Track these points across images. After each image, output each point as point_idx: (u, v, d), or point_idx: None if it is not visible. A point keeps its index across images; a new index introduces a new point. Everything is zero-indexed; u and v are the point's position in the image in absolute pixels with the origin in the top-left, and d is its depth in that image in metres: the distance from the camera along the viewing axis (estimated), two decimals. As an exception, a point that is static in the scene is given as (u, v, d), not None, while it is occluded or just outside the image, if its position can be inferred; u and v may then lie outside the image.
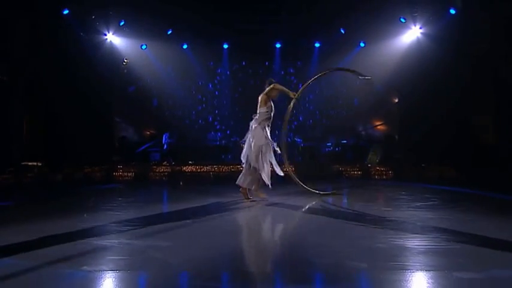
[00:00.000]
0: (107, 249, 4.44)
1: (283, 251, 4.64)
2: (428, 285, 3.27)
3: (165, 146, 17.39)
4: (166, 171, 15.04)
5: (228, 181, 9.44)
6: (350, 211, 7.21)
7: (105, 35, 16.24)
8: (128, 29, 16.52)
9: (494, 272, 3.51)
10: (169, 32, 17.13)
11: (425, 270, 3.59)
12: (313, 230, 5.59)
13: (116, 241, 4.75)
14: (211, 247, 4.49)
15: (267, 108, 7.81)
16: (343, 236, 5.05)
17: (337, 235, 5.13)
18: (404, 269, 3.61)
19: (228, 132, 18.53)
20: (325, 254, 4.24)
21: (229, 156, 16.56)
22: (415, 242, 4.50)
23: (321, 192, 8.39)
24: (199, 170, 15.24)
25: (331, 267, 3.78)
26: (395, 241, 4.52)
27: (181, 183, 12.94)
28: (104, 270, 3.67)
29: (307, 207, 7.41)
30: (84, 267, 3.72)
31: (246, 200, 7.82)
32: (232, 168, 14.05)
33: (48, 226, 5.52)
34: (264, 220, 6.49)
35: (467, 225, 5.43)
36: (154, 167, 15.56)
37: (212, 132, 18.61)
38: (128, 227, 5.47)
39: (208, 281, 3.46)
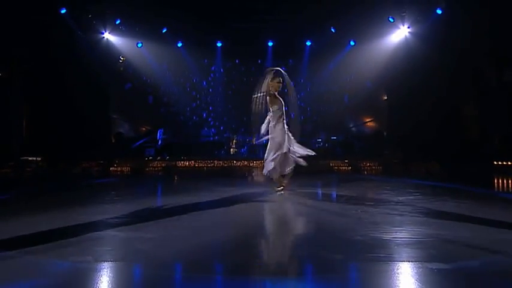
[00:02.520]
0: (94, 240, 4.52)
1: (265, 242, 4.81)
2: (399, 275, 3.42)
3: (160, 142, 17.74)
4: (161, 166, 15.41)
5: (220, 175, 9.58)
6: (333, 205, 7.51)
7: (102, 33, 16.56)
8: (124, 27, 16.85)
9: (461, 263, 3.69)
10: (164, 31, 17.47)
11: (399, 262, 3.75)
12: (296, 223, 5.86)
13: (104, 233, 4.91)
14: (198, 239, 4.63)
15: (278, 106, 7.95)
16: (324, 229, 5.27)
17: (318, 228, 5.37)
18: (379, 260, 3.77)
19: (221, 128, 18.90)
20: (304, 246, 4.49)
21: (222, 152, 16.96)
22: (392, 235, 4.68)
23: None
24: (192, 165, 15.62)
25: (308, 259, 4.01)
26: (373, 234, 4.72)
27: (175, 177, 13.18)
28: (89, 261, 3.74)
29: (292, 200, 7.67)
30: (71, 258, 3.83)
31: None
32: (225, 163, 14.46)
33: (40, 219, 5.71)
34: (250, 213, 6.62)
35: (443, 218, 5.62)
36: (150, 161, 15.94)
37: (206, 128, 18.98)
38: (117, 220, 5.63)
39: (191, 272, 3.64)
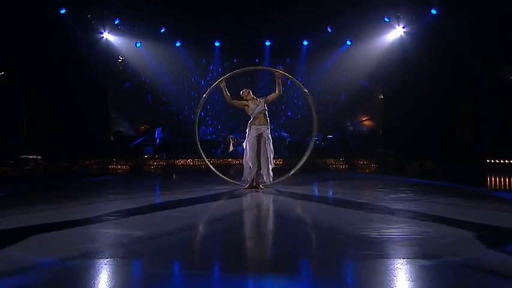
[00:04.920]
0: (84, 237, 4.57)
1: (254, 240, 4.88)
2: (384, 272, 3.45)
3: (158, 141, 17.90)
4: (159, 165, 15.58)
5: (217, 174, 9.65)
6: (324, 202, 7.63)
7: (101, 33, 16.70)
8: (123, 27, 16.98)
9: (444, 260, 3.75)
10: (163, 30, 17.61)
11: (383, 259, 3.82)
12: (285, 220, 5.89)
13: (95, 230, 4.98)
14: (189, 237, 4.74)
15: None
16: (313, 227, 5.41)
17: (308, 226, 5.48)
18: (364, 258, 3.86)
19: (219, 127, 19.03)
20: (292, 243, 4.55)
21: (219, 150, 17.10)
22: (379, 233, 4.74)
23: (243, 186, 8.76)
24: (190, 164, 15.79)
25: (295, 257, 4.08)
26: (361, 231, 4.83)
27: (174, 176, 13.32)
28: (77, 259, 3.78)
29: (285, 198, 7.77)
30: (59, 255, 3.85)
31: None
32: (222, 162, 14.61)
33: (33, 216, 5.80)
34: (242, 211, 6.75)
35: (432, 216, 5.69)
36: (148, 160, 16.10)
37: (203, 127, 19.10)
38: (110, 217, 5.72)
39: (180, 269, 3.74)
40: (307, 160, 9.29)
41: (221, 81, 8.84)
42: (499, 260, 3.85)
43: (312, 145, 9.42)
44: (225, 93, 8.75)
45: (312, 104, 9.22)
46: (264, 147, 8.50)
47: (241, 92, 8.86)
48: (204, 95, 9.07)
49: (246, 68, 9.05)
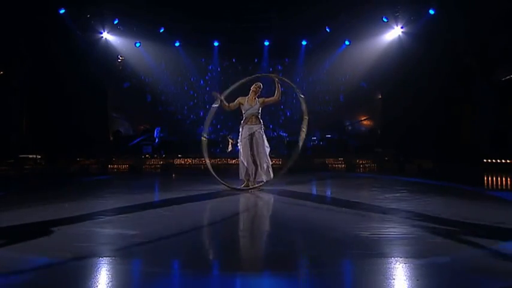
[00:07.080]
0: (76, 236, 4.58)
1: (246, 239, 4.88)
2: (372, 271, 3.48)
3: (157, 140, 17.95)
4: (158, 164, 15.63)
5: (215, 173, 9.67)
6: (319, 202, 7.62)
7: (101, 33, 16.76)
8: (122, 27, 17.04)
9: (432, 259, 3.77)
10: (162, 30, 17.67)
11: (372, 257, 3.83)
12: (280, 220, 5.91)
13: (89, 229, 4.98)
14: (182, 236, 4.73)
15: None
16: (309, 226, 5.39)
17: (303, 225, 5.47)
18: (355, 257, 3.91)
19: (218, 126, 19.06)
20: (286, 242, 4.56)
21: (218, 150, 17.15)
22: (372, 232, 4.75)
23: (237, 187, 8.67)
24: (189, 163, 15.85)
25: (287, 255, 4.08)
26: (354, 231, 4.84)
27: (173, 175, 13.34)
28: (67, 257, 3.77)
29: (280, 198, 7.77)
30: (49, 253, 3.87)
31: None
32: (220, 161, 14.67)
33: (30, 215, 5.77)
34: (234, 210, 6.73)
35: (424, 215, 5.69)
36: (147, 159, 16.16)
37: (202, 127, 19.15)
38: (105, 216, 5.73)
39: (172, 268, 3.77)
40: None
41: (218, 98, 8.77)
42: (489, 259, 3.90)
43: (300, 144, 9.24)
44: (223, 104, 8.71)
45: (305, 106, 9.04)
46: (258, 146, 8.51)
47: (253, 85, 8.70)
48: (208, 116, 9.08)
49: (243, 80, 8.89)
